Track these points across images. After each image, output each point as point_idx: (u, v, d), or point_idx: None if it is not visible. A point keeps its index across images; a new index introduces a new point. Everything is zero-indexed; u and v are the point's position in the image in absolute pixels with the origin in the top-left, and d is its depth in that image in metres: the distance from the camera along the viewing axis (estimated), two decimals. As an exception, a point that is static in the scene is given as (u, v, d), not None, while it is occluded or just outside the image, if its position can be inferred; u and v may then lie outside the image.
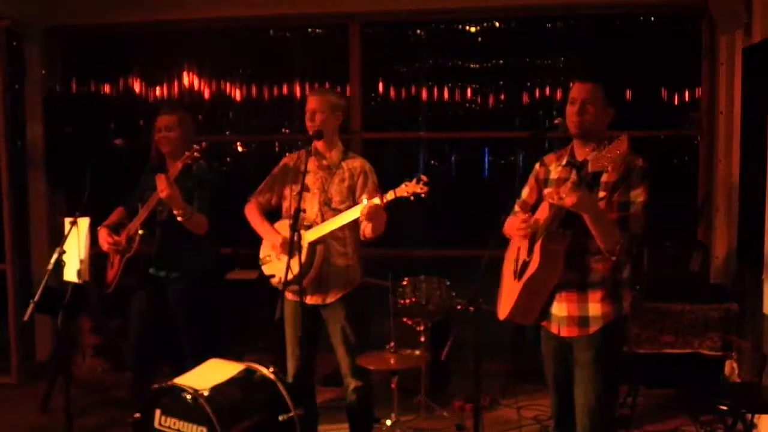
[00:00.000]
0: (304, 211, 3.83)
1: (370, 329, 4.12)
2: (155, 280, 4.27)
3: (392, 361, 3.94)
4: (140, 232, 4.09)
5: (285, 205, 3.98)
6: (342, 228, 3.81)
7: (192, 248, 4.18)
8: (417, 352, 4.32)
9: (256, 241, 4.08)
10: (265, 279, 4.01)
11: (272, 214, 4.06)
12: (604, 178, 3.08)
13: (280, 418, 3.47)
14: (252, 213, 4.05)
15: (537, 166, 3.46)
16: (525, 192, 3.47)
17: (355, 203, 3.82)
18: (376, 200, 3.54)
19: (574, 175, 3.12)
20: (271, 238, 3.93)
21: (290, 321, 3.90)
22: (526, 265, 3.23)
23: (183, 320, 4.25)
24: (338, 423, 4.34)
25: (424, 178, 3.47)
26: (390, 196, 3.55)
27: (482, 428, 3.28)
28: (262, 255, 4.02)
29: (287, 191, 3.97)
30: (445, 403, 4.99)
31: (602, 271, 3.17)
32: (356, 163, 3.95)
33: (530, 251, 3.22)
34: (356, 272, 3.96)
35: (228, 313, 5.26)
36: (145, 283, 4.27)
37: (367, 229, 3.77)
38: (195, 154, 3.94)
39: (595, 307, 3.18)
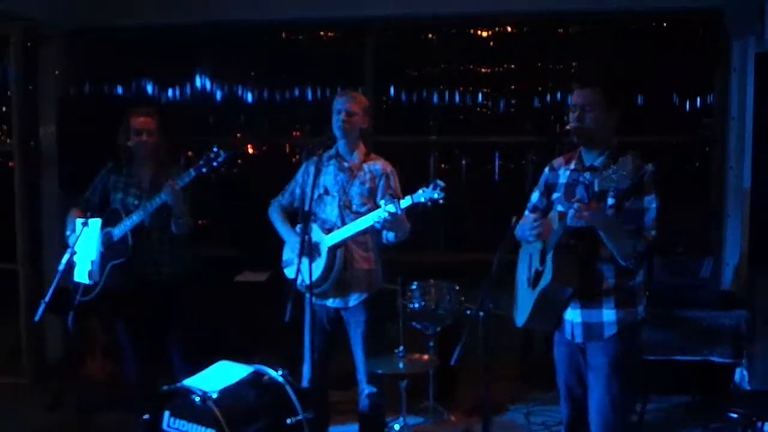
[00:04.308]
0: (315, 214, 3.82)
1: (383, 334, 4.12)
2: (141, 284, 4.27)
3: (401, 366, 3.94)
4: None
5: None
6: (364, 232, 3.78)
7: (170, 251, 4.26)
8: (425, 357, 4.32)
9: (264, 242, 4.09)
10: (275, 282, 4.02)
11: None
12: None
13: (289, 421, 3.47)
14: (274, 216, 4.09)
15: (547, 170, 3.45)
16: (535, 197, 3.46)
17: (376, 206, 3.80)
18: (391, 207, 3.50)
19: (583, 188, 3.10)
20: (292, 240, 3.93)
21: (310, 323, 3.86)
22: (539, 274, 3.22)
23: (166, 321, 4.32)
24: (348, 424, 4.36)
25: (441, 183, 3.46)
26: (406, 202, 3.52)
27: (490, 433, 3.26)
28: (284, 258, 4.05)
29: (309, 194, 3.91)
30: (453, 408, 4.98)
31: (616, 277, 3.16)
32: (378, 165, 3.91)
33: (542, 260, 3.21)
34: (378, 276, 3.95)
35: (237, 315, 5.28)
36: (132, 288, 4.27)
37: (389, 235, 3.77)
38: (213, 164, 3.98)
39: (609, 313, 3.17)
